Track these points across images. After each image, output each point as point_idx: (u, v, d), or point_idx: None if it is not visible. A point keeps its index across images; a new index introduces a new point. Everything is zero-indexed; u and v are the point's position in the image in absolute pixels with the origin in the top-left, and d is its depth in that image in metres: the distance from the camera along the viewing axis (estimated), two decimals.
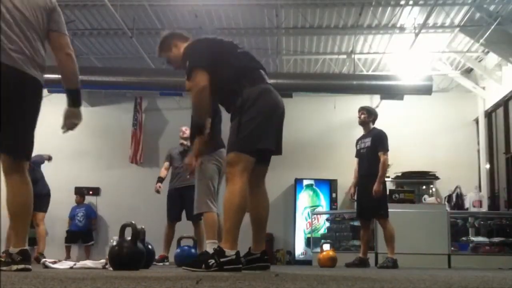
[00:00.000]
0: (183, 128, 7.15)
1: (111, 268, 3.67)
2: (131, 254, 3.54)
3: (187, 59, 3.36)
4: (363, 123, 6.69)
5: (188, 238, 6.04)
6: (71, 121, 3.16)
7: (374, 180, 6.30)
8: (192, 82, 3.27)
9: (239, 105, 3.21)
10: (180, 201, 6.97)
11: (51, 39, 3.04)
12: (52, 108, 11.60)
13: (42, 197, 7.17)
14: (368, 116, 6.63)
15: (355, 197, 6.79)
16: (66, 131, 3.20)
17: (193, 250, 5.77)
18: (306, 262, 9.97)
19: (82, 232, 10.97)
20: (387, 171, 6.74)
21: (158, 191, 7.36)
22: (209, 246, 4.78)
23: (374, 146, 6.44)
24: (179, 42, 3.70)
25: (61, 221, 11.03)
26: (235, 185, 3.11)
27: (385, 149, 6.43)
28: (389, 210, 6.51)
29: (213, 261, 3.04)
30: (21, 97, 2.84)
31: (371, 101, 11.58)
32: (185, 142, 6.95)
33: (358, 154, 6.70)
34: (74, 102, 3.15)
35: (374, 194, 6.25)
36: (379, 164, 6.35)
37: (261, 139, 3.19)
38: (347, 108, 11.48)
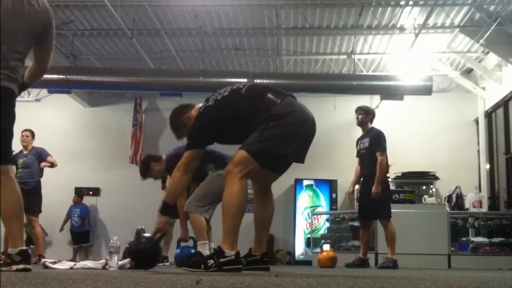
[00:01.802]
0: None
1: (111, 269, 3.68)
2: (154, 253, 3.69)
3: (189, 132, 3.39)
4: (361, 123, 6.66)
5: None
6: None
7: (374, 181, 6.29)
8: (182, 161, 3.34)
9: (267, 117, 3.14)
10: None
11: (38, 53, 3.07)
12: (52, 108, 11.72)
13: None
14: (365, 116, 6.59)
15: (354, 196, 6.76)
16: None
17: (193, 250, 5.75)
18: (306, 263, 9.97)
19: (83, 233, 11.01)
20: (387, 171, 6.70)
21: None
22: (201, 247, 4.78)
23: (372, 147, 6.43)
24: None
25: (61, 222, 11.04)
26: (234, 185, 3.08)
27: (382, 149, 6.39)
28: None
29: (212, 261, 3.03)
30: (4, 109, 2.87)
31: (371, 101, 11.58)
32: None
33: (359, 155, 6.68)
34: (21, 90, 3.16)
35: (373, 196, 6.22)
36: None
37: (281, 146, 3.11)
38: (347, 108, 11.46)
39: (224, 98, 3.33)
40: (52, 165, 7.42)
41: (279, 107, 3.15)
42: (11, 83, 2.89)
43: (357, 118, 6.64)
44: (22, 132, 7.39)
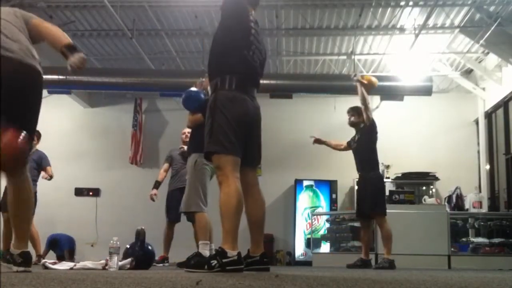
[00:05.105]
0: (186, 131, 7.07)
1: (111, 269, 3.68)
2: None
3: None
4: (353, 124, 6.73)
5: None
6: (78, 59, 3.18)
7: (368, 177, 6.41)
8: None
9: (212, 102, 3.26)
10: (180, 202, 6.93)
11: (37, 30, 3.16)
12: (52, 108, 11.76)
13: None
14: (358, 117, 6.64)
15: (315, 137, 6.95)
16: (75, 68, 3.19)
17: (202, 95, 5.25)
18: (306, 263, 9.95)
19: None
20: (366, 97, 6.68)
21: (153, 199, 7.37)
22: (202, 247, 4.78)
23: (362, 138, 6.55)
24: None
25: (61, 223, 11.02)
26: (229, 186, 3.14)
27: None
28: (389, 210, 6.50)
29: (215, 261, 3.05)
30: (26, 88, 2.87)
31: (371, 102, 11.58)
32: (185, 147, 6.80)
33: (353, 152, 6.79)
34: (74, 51, 3.18)
35: None
36: (371, 157, 6.41)
37: (229, 144, 3.21)
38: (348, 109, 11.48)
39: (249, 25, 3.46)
40: (51, 178, 7.35)
41: (222, 94, 3.25)
42: (35, 60, 2.91)
43: (350, 119, 6.70)
44: None
